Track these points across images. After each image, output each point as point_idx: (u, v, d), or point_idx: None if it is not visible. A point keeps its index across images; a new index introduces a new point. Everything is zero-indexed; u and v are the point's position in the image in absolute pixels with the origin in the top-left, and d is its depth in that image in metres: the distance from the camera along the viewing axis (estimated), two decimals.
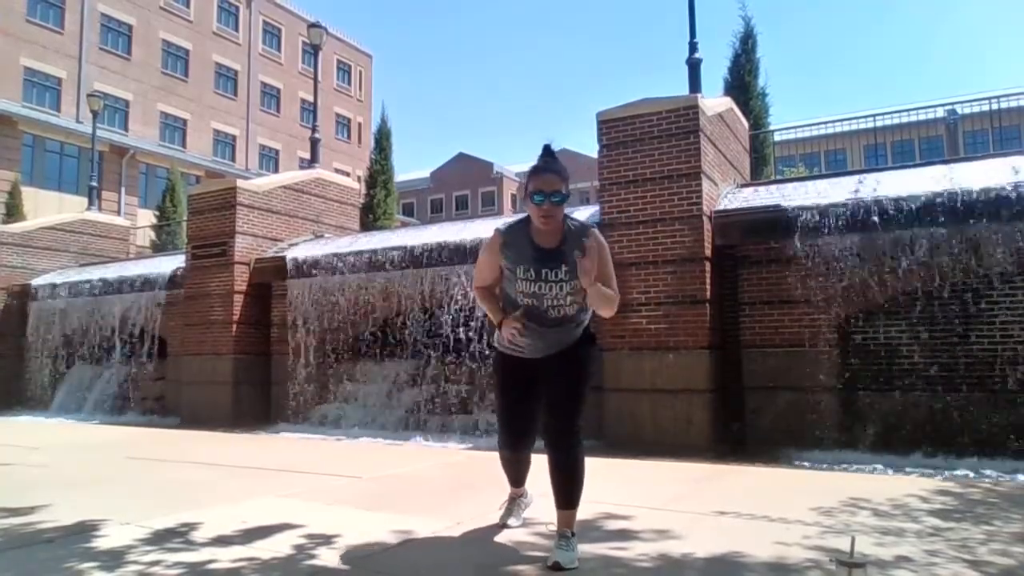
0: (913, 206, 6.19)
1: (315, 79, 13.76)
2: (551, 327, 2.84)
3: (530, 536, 3.09)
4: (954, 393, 6.12)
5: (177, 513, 3.61)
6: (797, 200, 6.90)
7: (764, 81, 11.90)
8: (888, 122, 12.48)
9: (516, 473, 3.19)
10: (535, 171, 2.79)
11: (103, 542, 3.10)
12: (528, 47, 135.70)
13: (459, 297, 8.18)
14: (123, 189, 24.44)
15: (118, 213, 21.95)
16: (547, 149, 2.86)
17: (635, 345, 6.91)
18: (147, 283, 11.32)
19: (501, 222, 3.10)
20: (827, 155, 23.24)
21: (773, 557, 2.76)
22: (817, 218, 6.51)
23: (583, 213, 8.44)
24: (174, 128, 29.01)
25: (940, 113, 15.61)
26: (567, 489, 2.77)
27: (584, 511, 2.94)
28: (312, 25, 13.41)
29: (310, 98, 20.92)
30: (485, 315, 8.03)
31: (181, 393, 10.23)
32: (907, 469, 5.60)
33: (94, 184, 15.83)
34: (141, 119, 27.44)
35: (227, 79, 31.54)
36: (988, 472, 5.39)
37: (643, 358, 6.86)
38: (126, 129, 26.66)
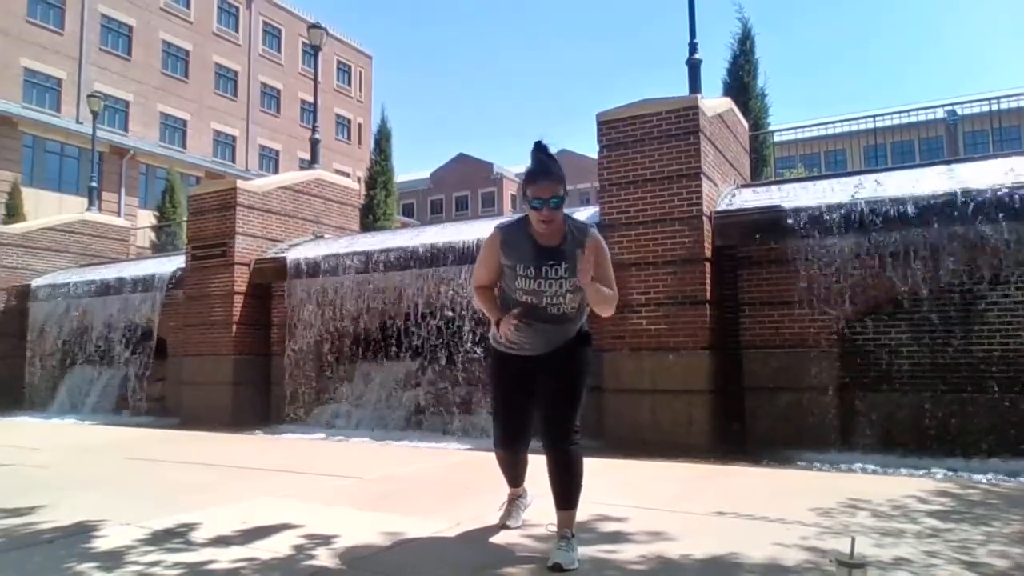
0: (913, 207, 6.19)
1: (315, 79, 13.78)
2: (548, 324, 2.85)
3: (530, 537, 3.09)
4: (954, 394, 6.12)
5: (177, 513, 3.61)
6: (797, 201, 6.91)
7: (763, 82, 11.96)
8: (888, 122, 12.51)
9: (513, 473, 3.20)
10: (532, 176, 2.74)
11: (103, 543, 3.10)
12: (528, 47, 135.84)
13: (459, 297, 8.19)
14: (123, 190, 24.44)
15: (118, 214, 21.96)
16: (541, 146, 2.79)
17: (635, 346, 6.91)
18: (147, 283, 11.33)
19: (501, 220, 3.10)
20: (827, 155, 23.25)
21: (771, 558, 2.76)
22: (817, 219, 6.51)
23: (583, 214, 8.45)
24: (174, 129, 29.02)
25: (940, 113, 15.62)
26: (566, 489, 2.77)
27: (582, 512, 2.94)
28: (312, 26, 13.43)
29: (310, 99, 20.94)
30: (485, 316, 8.06)
31: (181, 393, 10.24)
32: (906, 470, 5.60)
33: (94, 185, 15.85)
34: (141, 120, 27.45)
35: (227, 80, 31.55)
36: (987, 473, 5.39)
37: (643, 358, 6.87)
38: (126, 130, 26.67)
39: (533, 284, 2.79)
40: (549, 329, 2.86)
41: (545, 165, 2.75)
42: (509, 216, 3.13)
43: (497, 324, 2.84)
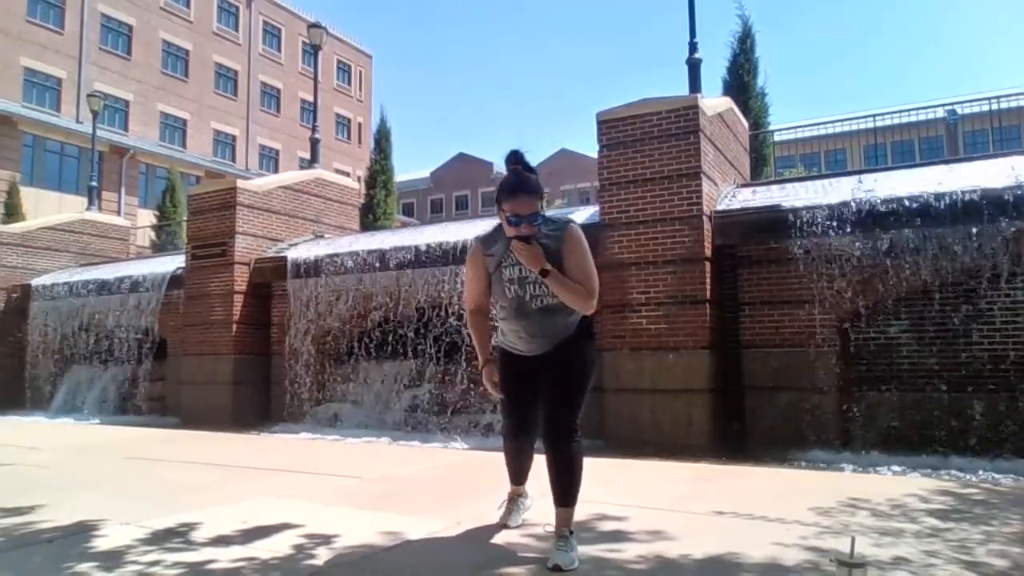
0: (913, 206, 6.19)
1: (315, 79, 13.78)
2: (541, 320, 2.84)
3: (530, 537, 3.09)
4: (954, 393, 6.12)
5: (177, 513, 3.61)
6: (797, 200, 6.91)
7: (763, 81, 11.95)
8: (888, 122, 12.49)
9: (517, 467, 3.18)
10: (509, 191, 2.69)
11: (102, 542, 3.10)
12: (528, 47, 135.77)
13: (459, 297, 8.19)
14: (123, 189, 24.46)
15: (118, 213, 21.97)
16: (518, 157, 2.75)
17: (635, 345, 6.91)
18: (147, 283, 11.33)
19: (480, 230, 3.11)
20: (827, 155, 23.26)
21: (771, 558, 2.76)
22: (817, 218, 6.51)
23: (583, 214, 8.45)
24: (174, 128, 29.03)
25: (940, 113, 15.62)
26: (564, 486, 2.76)
27: (582, 511, 2.94)
28: (312, 25, 13.43)
29: (310, 98, 20.94)
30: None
31: (181, 393, 10.24)
32: (906, 469, 5.60)
33: (94, 184, 15.84)
34: (141, 119, 27.46)
35: (227, 79, 31.55)
36: (987, 472, 5.39)
37: (643, 358, 6.87)
38: (126, 129, 26.67)
39: (515, 272, 2.79)
40: (542, 325, 2.84)
41: (524, 179, 2.71)
42: (484, 231, 3.14)
43: (482, 367, 2.99)
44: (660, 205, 7.00)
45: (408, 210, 43.95)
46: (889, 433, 6.23)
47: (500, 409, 3.16)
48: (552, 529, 2.81)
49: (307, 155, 17.06)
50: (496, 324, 3.06)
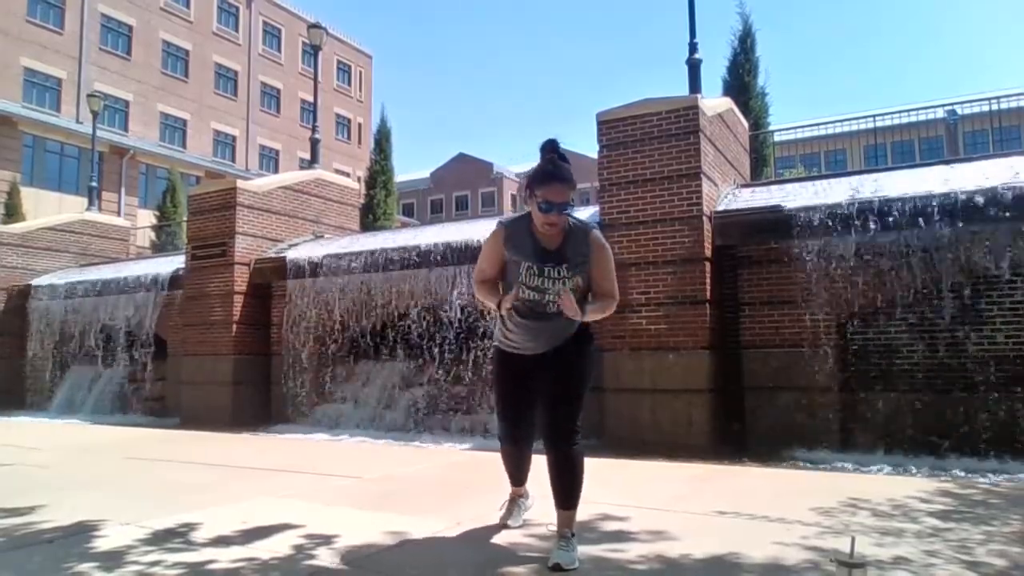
0: (913, 206, 6.19)
1: (315, 79, 13.78)
2: (548, 321, 2.84)
3: (530, 537, 3.09)
4: (954, 394, 6.12)
5: (177, 513, 3.61)
6: (797, 201, 6.91)
7: (764, 81, 11.93)
8: (888, 122, 12.50)
9: (516, 469, 3.18)
10: (545, 177, 2.71)
11: (103, 542, 3.10)
12: (528, 47, 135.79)
13: (459, 297, 8.19)
14: (123, 189, 24.45)
15: (118, 213, 21.96)
16: (555, 147, 2.77)
17: (635, 345, 6.91)
18: (147, 283, 11.33)
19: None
20: (827, 155, 23.28)
21: (771, 558, 2.76)
22: (817, 219, 6.51)
23: (583, 213, 8.44)
24: (174, 128, 29.02)
25: (940, 113, 15.64)
26: (566, 488, 2.77)
27: (582, 512, 2.94)
28: (312, 25, 13.43)
29: (310, 98, 20.95)
30: (488, 314, 8.07)
31: (181, 393, 10.23)
32: (907, 469, 5.60)
33: (94, 184, 15.84)
34: (141, 119, 27.45)
35: (227, 79, 31.55)
36: (988, 472, 5.39)
37: (643, 358, 6.87)
38: (126, 129, 26.67)
39: (536, 281, 2.80)
40: (549, 327, 2.85)
41: (560, 168, 2.74)
42: (509, 215, 3.12)
43: (498, 307, 2.83)
44: (660, 205, 7.00)
45: (408, 210, 43.96)
46: (889, 433, 6.23)
47: (496, 412, 3.14)
48: (554, 529, 2.81)
49: (307, 155, 17.07)
50: (497, 318, 3.04)
